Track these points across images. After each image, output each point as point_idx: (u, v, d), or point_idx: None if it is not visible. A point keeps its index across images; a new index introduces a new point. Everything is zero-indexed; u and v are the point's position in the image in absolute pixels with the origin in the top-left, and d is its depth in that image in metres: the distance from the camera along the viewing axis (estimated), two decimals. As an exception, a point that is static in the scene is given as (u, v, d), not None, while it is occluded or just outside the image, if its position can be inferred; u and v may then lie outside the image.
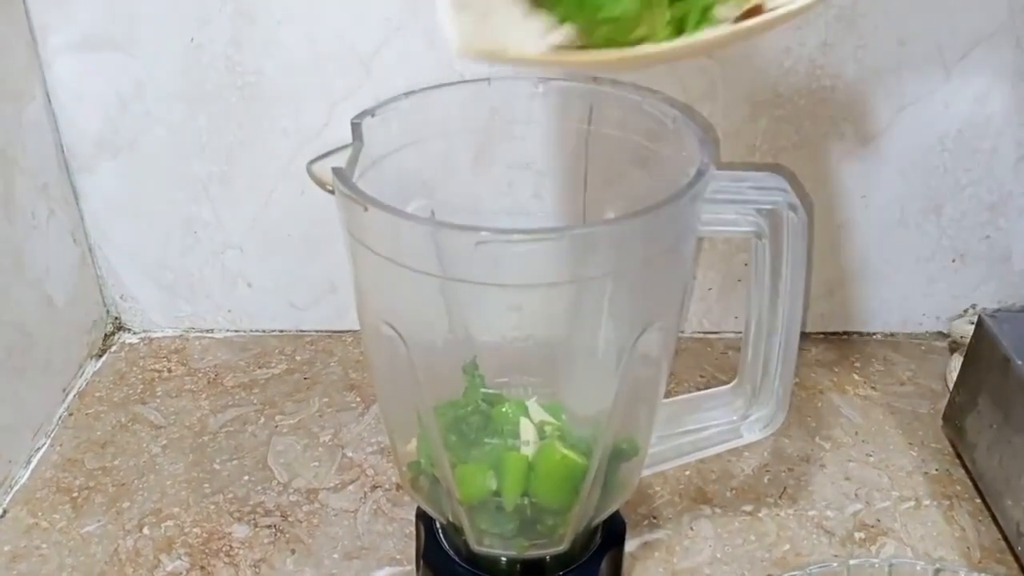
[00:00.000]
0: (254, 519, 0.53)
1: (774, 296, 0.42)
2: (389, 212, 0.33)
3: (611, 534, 0.47)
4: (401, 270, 0.35)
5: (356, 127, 0.39)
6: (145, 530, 0.52)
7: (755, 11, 0.32)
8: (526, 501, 0.41)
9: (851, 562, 0.41)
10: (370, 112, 0.40)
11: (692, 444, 0.46)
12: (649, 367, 0.41)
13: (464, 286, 0.35)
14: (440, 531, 0.46)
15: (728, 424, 0.46)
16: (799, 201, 0.39)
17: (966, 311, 0.66)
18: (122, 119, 0.60)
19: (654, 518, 0.53)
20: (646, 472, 0.46)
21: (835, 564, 0.42)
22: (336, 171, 0.35)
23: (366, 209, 0.33)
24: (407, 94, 0.42)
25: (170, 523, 0.52)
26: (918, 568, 0.41)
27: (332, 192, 0.36)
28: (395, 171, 0.41)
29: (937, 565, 0.41)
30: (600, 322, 0.39)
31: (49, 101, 0.59)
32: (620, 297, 0.37)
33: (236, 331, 0.69)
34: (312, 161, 0.36)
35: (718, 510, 0.53)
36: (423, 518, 0.47)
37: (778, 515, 0.53)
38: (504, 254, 0.33)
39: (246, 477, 0.56)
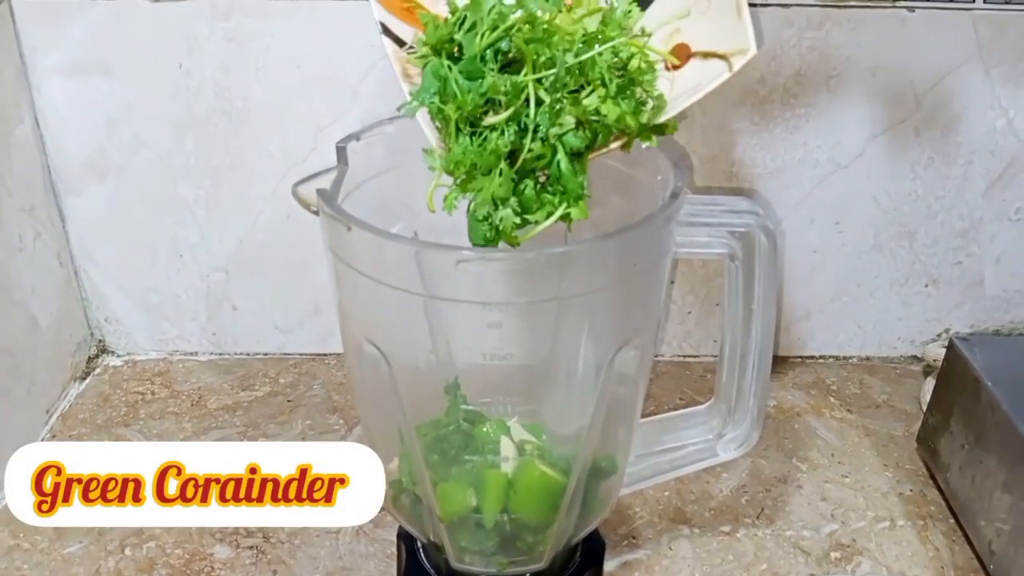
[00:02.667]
0: (236, 540, 0.53)
1: (747, 317, 0.43)
2: (372, 232, 0.34)
3: (590, 553, 0.48)
4: (384, 289, 0.35)
5: (341, 151, 0.40)
6: (127, 551, 0.52)
7: (682, 49, 0.34)
8: (506, 518, 0.41)
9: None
10: (355, 136, 0.41)
11: (669, 463, 0.47)
12: (626, 385, 0.42)
13: (445, 305, 0.35)
14: (421, 550, 0.47)
15: (704, 443, 0.47)
16: (770, 224, 0.41)
17: (940, 335, 0.68)
18: (110, 142, 0.61)
19: (633, 538, 0.53)
20: (625, 491, 0.47)
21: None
22: (320, 192, 0.36)
23: (349, 229, 0.34)
24: (392, 119, 0.43)
25: (152, 544, 0.52)
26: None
27: (316, 213, 0.36)
28: (379, 194, 0.42)
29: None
30: (578, 340, 0.40)
31: (37, 124, 0.60)
32: (597, 316, 0.38)
33: (220, 354, 0.69)
34: (298, 183, 0.37)
35: (697, 530, 0.54)
36: (404, 538, 0.48)
37: (756, 535, 0.54)
38: (484, 272, 0.34)
39: (228, 498, 0.56)
